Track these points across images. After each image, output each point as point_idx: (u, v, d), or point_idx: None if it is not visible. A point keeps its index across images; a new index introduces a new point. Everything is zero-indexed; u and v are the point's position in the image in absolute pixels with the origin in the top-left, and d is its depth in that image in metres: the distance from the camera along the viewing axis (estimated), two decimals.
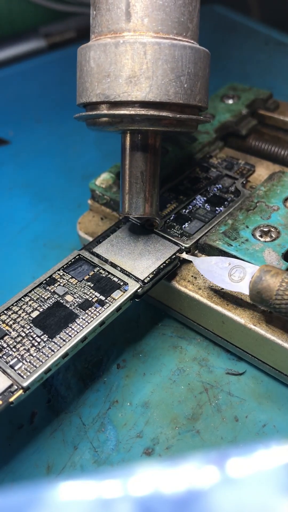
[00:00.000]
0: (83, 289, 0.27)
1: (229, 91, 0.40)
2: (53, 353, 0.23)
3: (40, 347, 0.24)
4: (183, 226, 0.30)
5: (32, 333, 0.24)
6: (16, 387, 0.22)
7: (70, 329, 0.25)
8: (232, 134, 0.37)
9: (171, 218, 0.31)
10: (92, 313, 0.25)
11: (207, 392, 0.27)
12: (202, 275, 0.28)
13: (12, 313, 0.26)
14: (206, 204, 0.31)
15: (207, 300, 0.27)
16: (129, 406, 0.27)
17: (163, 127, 0.26)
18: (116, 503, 0.12)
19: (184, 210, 0.31)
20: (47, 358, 0.23)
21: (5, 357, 0.23)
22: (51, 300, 0.26)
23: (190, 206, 0.31)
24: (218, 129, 0.37)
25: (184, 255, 0.28)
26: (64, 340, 0.24)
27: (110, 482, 0.12)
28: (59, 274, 0.27)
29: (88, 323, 0.25)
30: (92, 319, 0.25)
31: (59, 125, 0.51)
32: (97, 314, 0.25)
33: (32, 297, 0.26)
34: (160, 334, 0.30)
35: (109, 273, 0.27)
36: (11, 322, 0.25)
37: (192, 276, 0.29)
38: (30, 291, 0.27)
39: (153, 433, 0.25)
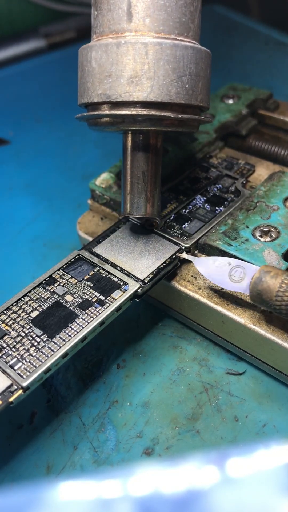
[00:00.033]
0: (83, 289, 0.27)
1: (229, 91, 0.40)
2: (53, 353, 0.23)
3: (40, 347, 0.24)
4: (183, 226, 0.30)
5: (32, 333, 0.24)
6: (15, 387, 0.22)
7: (70, 329, 0.25)
8: (232, 134, 0.37)
9: (171, 218, 0.31)
10: (92, 313, 0.25)
11: (207, 392, 0.27)
12: (202, 275, 0.28)
13: (12, 313, 0.26)
14: (206, 204, 0.31)
15: (207, 300, 0.27)
16: (129, 406, 0.27)
17: (165, 127, 0.26)
18: (116, 503, 0.12)
19: (184, 210, 0.31)
20: (47, 358, 0.23)
21: (5, 357, 0.23)
22: (51, 300, 0.26)
23: (190, 206, 0.31)
24: (218, 129, 0.37)
25: (184, 255, 0.28)
26: (64, 340, 0.24)
27: (110, 482, 0.12)
28: (59, 274, 0.27)
29: (88, 323, 0.25)
30: (92, 319, 0.25)
31: (59, 125, 0.51)
32: (97, 314, 0.25)
33: (32, 297, 0.26)
34: (160, 334, 0.30)
35: (109, 273, 0.27)
36: (11, 322, 0.25)
37: (192, 276, 0.29)
38: (30, 291, 0.27)
39: (153, 433, 0.25)
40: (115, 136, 0.29)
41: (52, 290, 0.27)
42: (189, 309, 0.29)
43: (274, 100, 0.40)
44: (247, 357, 0.27)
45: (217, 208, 0.31)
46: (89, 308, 0.25)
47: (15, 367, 0.23)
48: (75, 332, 0.24)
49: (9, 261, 0.37)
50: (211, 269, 0.26)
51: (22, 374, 0.23)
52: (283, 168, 0.35)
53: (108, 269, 0.27)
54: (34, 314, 0.25)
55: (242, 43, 0.63)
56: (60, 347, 0.24)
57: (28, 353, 0.24)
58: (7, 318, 0.25)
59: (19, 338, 0.24)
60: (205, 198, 0.32)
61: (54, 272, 0.28)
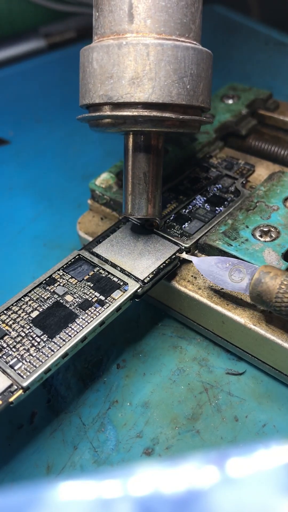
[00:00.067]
0: (83, 289, 0.27)
1: (229, 91, 0.40)
2: (53, 353, 0.23)
3: (40, 347, 0.24)
4: (183, 226, 0.30)
5: (32, 333, 0.24)
6: (16, 387, 0.22)
7: (70, 329, 0.25)
8: (232, 134, 0.37)
9: (171, 218, 0.31)
10: (92, 313, 0.25)
11: (207, 392, 0.27)
12: (202, 275, 0.28)
13: (12, 313, 0.26)
14: (206, 204, 0.31)
15: (207, 300, 0.27)
16: (129, 406, 0.27)
17: (166, 128, 0.26)
18: (116, 503, 0.12)
19: (184, 210, 0.31)
20: (47, 358, 0.23)
21: (5, 357, 0.23)
22: (51, 300, 0.26)
23: (190, 206, 0.31)
24: (218, 129, 0.37)
25: (184, 255, 0.28)
26: (64, 340, 0.24)
27: (110, 482, 0.12)
28: (59, 274, 0.27)
29: (88, 323, 0.25)
30: (92, 319, 0.25)
31: (59, 125, 0.51)
32: (97, 314, 0.25)
33: (32, 297, 0.26)
34: (160, 334, 0.30)
35: (109, 273, 0.27)
36: (11, 322, 0.25)
37: (192, 276, 0.29)
38: (30, 291, 0.27)
39: (153, 433, 0.25)
40: (115, 136, 0.29)
41: (52, 290, 0.27)
42: (189, 309, 0.29)
43: (274, 100, 0.40)
44: (247, 357, 0.27)
45: (217, 208, 0.31)
46: (89, 308, 0.25)
47: (15, 367, 0.23)
48: (75, 332, 0.24)
49: (9, 261, 0.37)
50: (211, 269, 0.26)
51: (22, 374, 0.23)
52: (283, 168, 0.35)
53: (108, 269, 0.28)
54: (34, 314, 0.25)
55: (242, 43, 0.63)
56: (60, 347, 0.24)
57: (28, 353, 0.24)
58: (7, 318, 0.25)
59: (19, 338, 0.24)
60: (205, 198, 0.32)
61: (54, 272, 0.28)
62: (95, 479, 0.12)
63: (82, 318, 0.25)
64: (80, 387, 0.28)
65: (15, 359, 0.23)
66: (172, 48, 0.24)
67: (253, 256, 0.27)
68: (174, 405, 0.26)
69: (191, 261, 0.28)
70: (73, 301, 0.26)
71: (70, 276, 0.27)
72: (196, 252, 0.29)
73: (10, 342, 0.24)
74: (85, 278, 0.27)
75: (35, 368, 0.23)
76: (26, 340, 0.24)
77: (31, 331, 0.25)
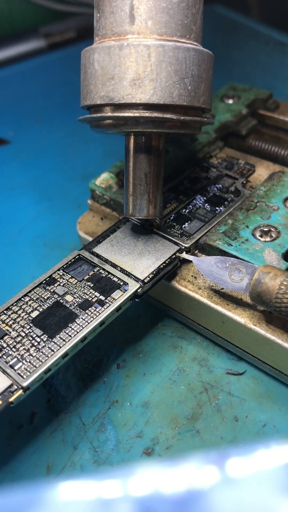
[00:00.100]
0: (83, 289, 0.27)
1: (229, 91, 0.40)
2: (53, 353, 0.23)
3: (40, 347, 0.24)
4: (183, 226, 0.30)
5: (32, 333, 0.24)
6: (16, 387, 0.22)
7: (70, 329, 0.25)
8: (232, 134, 0.37)
9: (171, 218, 0.31)
10: (92, 313, 0.25)
11: (207, 392, 0.27)
12: (202, 275, 0.28)
13: (12, 313, 0.26)
14: (206, 204, 0.31)
15: (207, 300, 0.27)
16: (129, 406, 0.27)
17: (167, 129, 0.26)
18: (116, 503, 0.12)
19: (184, 210, 0.31)
20: (47, 358, 0.23)
21: (5, 357, 0.23)
22: (51, 300, 0.26)
23: (190, 206, 0.31)
24: (218, 129, 0.37)
25: (184, 255, 0.28)
26: (64, 340, 0.24)
27: (110, 482, 0.12)
28: (59, 274, 0.27)
29: (88, 323, 0.25)
30: (92, 319, 0.25)
31: (59, 125, 0.51)
32: (97, 314, 0.25)
33: (32, 297, 0.26)
34: (160, 334, 0.30)
35: (109, 273, 0.27)
36: (11, 322, 0.25)
37: (192, 276, 0.29)
38: (30, 291, 0.27)
39: (153, 433, 0.25)
40: (115, 136, 0.29)
41: (52, 290, 0.27)
42: (189, 309, 0.29)
43: (274, 100, 0.40)
44: (247, 357, 0.27)
45: (217, 208, 0.31)
46: (89, 308, 0.25)
47: (15, 367, 0.23)
48: (75, 332, 0.24)
49: (9, 261, 0.37)
50: (211, 269, 0.26)
51: (22, 374, 0.23)
52: (283, 168, 0.35)
53: (108, 269, 0.28)
54: (34, 314, 0.25)
55: (242, 43, 0.63)
56: (60, 347, 0.24)
57: (28, 353, 0.24)
58: (7, 318, 0.25)
59: (19, 338, 0.24)
60: (205, 198, 0.32)
61: (54, 272, 0.28)
62: (95, 479, 0.12)
63: (82, 318, 0.25)
64: (80, 387, 0.28)
65: (15, 359, 0.23)
66: (173, 49, 0.24)
67: (253, 256, 0.27)
68: (174, 405, 0.26)
69: (191, 261, 0.28)
70: (73, 301, 0.26)
71: (70, 276, 0.27)
72: (196, 252, 0.29)
73: (10, 342, 0.24)
74: (85, 278, 0.27)
75: (35, 368, 0.23)
76: (26, 340, 0.24)
77: (31, 331, 0.25)
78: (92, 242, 0.30)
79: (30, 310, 0.26)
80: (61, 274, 0.27)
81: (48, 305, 0.26)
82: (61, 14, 0.66)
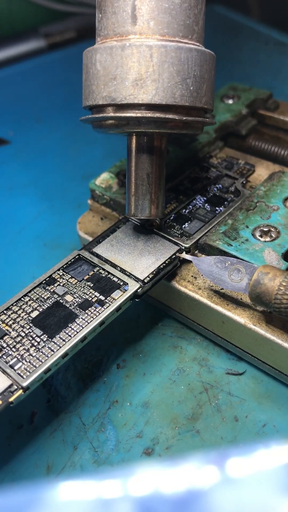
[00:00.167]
0: (83, 289, 0.27)
1: (229, 91, 0.40)
2: (53, 353, 0.23)
3: (40, 347, 0.24)
4: (183, 226, 0.30)
5: (31, 333, 0.24)
6: (16, 387, 0.22)
7: (70, 329, 0.25)
8: (232, 134, 0.37)
9: (171, 218, 0.31)
10: (92, 313, 0.25)
11: (207, 392, 0.27)
12: (202, 275, 0.28)
13: (12, 313, 0.26)
14: (206, 204, 0.31)
15: (207, 300, 0.27)
16: (129, 406, 0.27)
17: (169, 130, 0.26)
18: (116, 503, 0.12)
19: (184, 210, 0.31)
20: (46, 358, 0.23)
21: (5, 357, 0.23)
22: (51, 300, 0.26)
23: (190, 206, 0.31)
24: (218, 129, 0.37)
25: (184, 255, 0.28)
26: (64, 340, 0.24)
27: (110, 482, 0.12)
28: (59, 274, 0.27)
29: (88, 323, 0.25)
30: (92, 319, 0.25)
31: (59, 125, 0.51)
32: (97, 314, 0.25)
33: (32, 297, 0.26)
34: (160, 334, 0.30)
35: (109, 273, 0.27)
36: (11, 322, 0.25)
37: (192, 276, 0.29)
38: (30, 291, 0.27)
39: (153, 433, 0.25)
40: (116, 136, 0.29)
41: (52, 290, 0.27)
42: (189, 309, 0.29)
43: (274, 100, 0.40)
44: (247, 357, 0.27)
45: (217, 208, 0.31)
46: (89, 308, 0.25)
47: (15, 367, 0.23)
48: (75, 332, 0.24)
49: (9, 261, 0.37)
50: (211, 269, 0.26)
51: (22, 374, 0.23)
52: (283, 168, 0.35)
53: (108, 269, 0.28)
54: (34, 314, 0.25)
55: (242, 43, 0.63)
56: (60, 347, 0.24)
57: (28, 353, 0.24)
58: (7, 318, 0.25)
59: (19, 338, 0.24)
60: (205, 198, 0.32)
61: (54, 272, 0.28)
62: (95, 479, 0.12)
63: (82, 318, 0.25)
64: (80, 387, 0.28)
65: (15, 359, 0.23)
66: (176, 49, 0.24)
67: (253, 256, 0.27)
68: (174, 405, 0.26)
69: (191, 261, 0.28)
70: (73, 301, 0.26)
71: (70, 276, 0.27)
72: (196, 252, 0.29)
73: (10, 342, 0.24)
74: (85, 278, 0.27)
75: (35, 368, 0.23)
76: (26, 340, 0.24)
77: (31, 331, 0.25)
78: (92, 242, 0.30)
79: (30, 310, 0.26)
80: (61, 274, 0.27)
81: (48, 305, 0.26)
82: (61, 14, 0.66)
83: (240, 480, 0.12)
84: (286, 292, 0.23)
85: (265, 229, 0.28)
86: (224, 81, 0.42)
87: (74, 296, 0.26)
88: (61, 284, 0.27)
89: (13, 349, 0.24)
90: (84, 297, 0.26)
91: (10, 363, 0.23)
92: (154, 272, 0.27)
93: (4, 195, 0.43)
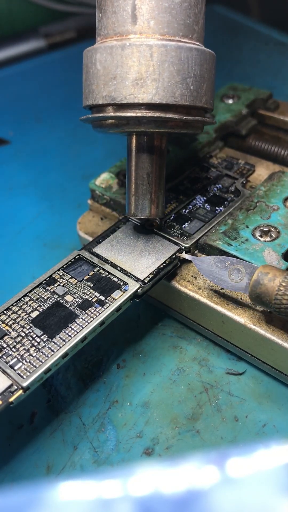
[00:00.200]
0: (83, 289, 0.27)
1: (229, 91, 0.40)
2: (53, 353, 0.23)
3: (40, 347, 0.24)
4: (183, 226, 0.30)
5: (32, 333, 0.24)
6: (16, 387, 0.22)
7: (70, 329, 0.25)
8: (232, 134, 0.37)
9: (171, 218, 0.31)
10: (92, 313, 0.25)
11: (207, 392, 0.27)
12: (202, 275, 0.28)
13: (12, 313, 0.26)
14: (206, 204, 0.31)
15: (207, 300, 0.27)
16: (129, 406, 0.27)
17: (169, 129, 0.26)
18: (116, 503, 0.12)
19: (184, 210, 0.31)
20: (47, 358, 0.23)
21: (5, 357, 0.23)
22: (51, 300, 0.26)
23: (190, 206, 0.31)
24: (218, 129, 0.37)
25: (184, 255, 0.28)
26: (64, 340, 0.24)
27: (110, 482, 0.12)
28: (59, 274, 0.27)
29: (88, 323, 0.25)
30: (92, 319, 0.25)
31: (59, 125, 0.51)
32: (97, 314, 0.25)
33: (32, 297, 0.26)
34: (160, 334, 0.30)
35: (109, 273, 0.27)
36: (11, 322, 0.25)
37: (192, 276, 0.29)
38: (30, 291, 0.27)
39: (153, 433, 0.25)
40: (116, 136, 0.29)
41: (52, 290, 0.27)
42: (189, 309, 0.29)
43: (274, 100, 0.40)
44: (247, 357, 0.27)
45: (217, 208, 0.31)
46: (89, 308, 0.25)
47: (15, 367, 0.23)
48: (75, 332, 0.24)
49: (9, 261, 0.37)
50: (211, 269, 0.26)
51: (22, 374, 0.23)
52: (283, 168, 0.35)
53: (108, 269, 0.27)
54: (34, 314, 0.25)
55: (242, 43, 0.63)
56: (60, 347, 0.24)
57: (28, 353, 0.24)
58: (7, 318, 0.25)
59: (19, 338, 0.24)
60: (205, 198, 0.32)
61: (54, 272, 0.28)
62: (95, 479, 0.12)
63: (82, 318, 0.25)
64: (80, 387, 0.28)
65: (15, 359, 0.23)
66: (176, 49, 0.24)
67: (253, 256, 0.27)
68: (174, 405, 0.26)
69: (191, 261, 0.28)
70: (73, 301, 0.26)
71: (70, 276, 0.27)
72: (196, 252, 0.29)
73: (10, 342, 0.24)
74: (85, 278, 0.27)
75: (35, 368, 0.23)
76: (26, 340, 0.24)
77: (31, 331, 0.25)
78: (92, 242, 0.30)
79: (30, 310, 0.26)
80: (61, 274, 0.27)
81: (48, 305, 0.26)
82: (61, 14, 0.66)
83: (240, 480, 0.12)
84: (286, 292, 0.23)
85: (265, 229, 0.28)
86: (224, 81, 0.42)
87: (74, 296, 0.26)
88: (61, 284, 0.27)
89: (13, 349, 0.24)
90: (84, 297, 0.26)
91: (10, 363, 0.23)
92: (154, 272, 0.27)
93: (4, 195, 0.43)
